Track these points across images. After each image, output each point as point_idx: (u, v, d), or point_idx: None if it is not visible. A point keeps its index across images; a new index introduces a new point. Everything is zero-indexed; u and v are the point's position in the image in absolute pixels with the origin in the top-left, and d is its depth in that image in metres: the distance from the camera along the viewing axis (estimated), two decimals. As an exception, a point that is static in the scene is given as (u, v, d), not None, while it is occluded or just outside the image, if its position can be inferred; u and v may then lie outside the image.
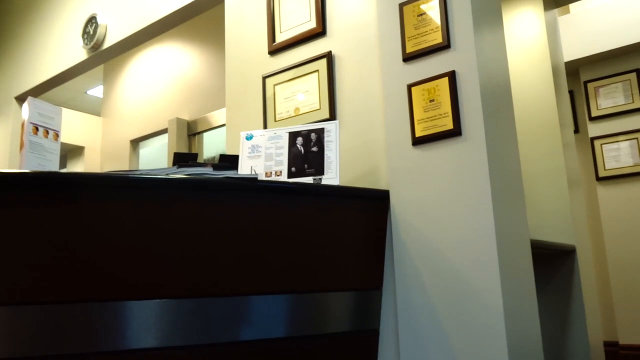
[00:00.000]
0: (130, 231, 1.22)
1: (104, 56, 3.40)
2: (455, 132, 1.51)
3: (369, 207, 1.60)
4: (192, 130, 4.31)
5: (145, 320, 1.21)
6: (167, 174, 1.28)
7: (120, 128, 5.02)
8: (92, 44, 3.28)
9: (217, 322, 1.28)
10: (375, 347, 1.63)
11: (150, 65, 4.80)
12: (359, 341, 1.58)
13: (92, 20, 3.33)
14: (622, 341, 3.54)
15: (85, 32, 3.36)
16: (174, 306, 1.23)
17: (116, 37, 3.19)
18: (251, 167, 1.71)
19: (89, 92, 6.29)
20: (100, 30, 3.25)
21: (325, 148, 1.65)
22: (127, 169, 4.80)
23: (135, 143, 4.93)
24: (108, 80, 5.25)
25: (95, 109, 6.04)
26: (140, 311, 1.21)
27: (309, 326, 1.44)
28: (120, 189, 1.22)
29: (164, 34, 3.78)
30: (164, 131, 4.54)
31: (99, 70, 5.20)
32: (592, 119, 3.85)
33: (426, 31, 1.62)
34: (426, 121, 1.58)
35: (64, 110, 5.20)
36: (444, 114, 1.54)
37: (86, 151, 5.25)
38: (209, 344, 1.26)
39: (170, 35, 4.55)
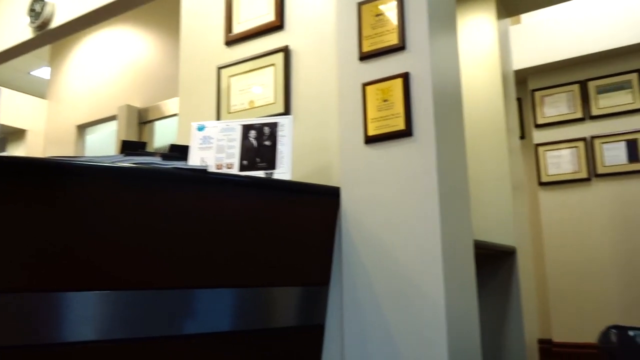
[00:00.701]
0: (70, 219, 1.17)
1: (52, 36, 3.25)
2: (406, 132, 1.54)
3: (320, 203, 1.61)
4: (143, 118, 4.19)
5: (84, 313, 1.17)
6: (113, 162, 1.24)
7: (67, 112, 4.82)
8: (38, 22, 3.13)
9: (158, 315, 1.25)
10: (320, 342, 1.64)
11: (101, 49, 4.63)
12: (304, 336, 1.58)
13: (39, -3, 3.17)
14: (556, 339, 3.72)
15: (31, 9, 3.20)
16: (113, 298, 1.20)
17: (65, 17, 3.06)
18: (202, 158, 1.68)
19: (32, 73, 6.00)
20: (47, 9, 3.10)
21: (278, 142, 1.65)
22: (73, 155, 4.62)
23: (82, 129, 4.75)
24: (55, 61, 5.03)
25: (38, 90, 5.77)
26: (78, 303, 1.17)
27: (254, 320, 1.43)
28: (61, 176, 1.17)
29: (117, 17, 3.66)
30: (113, 118, 4.40)
31: (44, 50, 4.97)
32: (537, 126, 4.02)
33: (383, 32, 1.64)
34: (379, 120, 1.60)
35: (5, 91, 4.95)
36: (397, 114, 1.57)
37: (28, 135, 5.01)
38: (149, 338, 1.23)
39: (124, 18, 4.41)
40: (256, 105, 2.00)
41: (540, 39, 3.92)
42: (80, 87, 4.74)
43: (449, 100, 1.67)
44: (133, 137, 4.15)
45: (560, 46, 3.84)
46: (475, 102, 2.92)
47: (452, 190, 1.58)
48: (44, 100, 5.10)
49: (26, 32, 3.28)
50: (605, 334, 1.23)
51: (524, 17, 4.03)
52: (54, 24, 3.12)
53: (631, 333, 1.21)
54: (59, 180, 1.17)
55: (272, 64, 1.98)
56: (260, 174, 1.62)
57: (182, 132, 2.22)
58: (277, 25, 2.01)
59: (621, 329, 1.23)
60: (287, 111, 1.92)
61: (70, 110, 4.78)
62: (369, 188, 1.59)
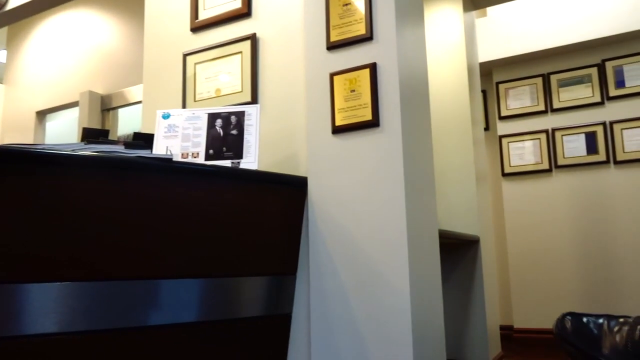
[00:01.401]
0: (29, 209, 1.14)
1: (8, 18, 3.12)
2: (373, 123, 1.55)
3: (287, 193, 1.61)
4: (106, 105, 4.08)
5: (44, 305, 1.14)
6: (73, 150, 1.20)
7: (26, 97, 4.64)
8: (-6, 3, 3.00)
9: (122, 306, 1.23)
10: (287, 331, 1.65)
11: (62, 31, 4.47)
12: (272, 325, 1.59)
13: (-6, -23, 3.04)
14: (517, 325, 3.84)
15: (-14, -11, 3.06)
16: (75, 289, 1.17)
17: (22, -1, 2.94)
18: (167, 147, 1.65)
19: (-11, 56, 5.76)
20: (4, -10, 2.98)
21: (245, 132, 1.63)
22: (32, 142, 4.46)
23: (42, 115, 4.59)
24: (12, 44, 4.83)
25: (-4, 75, 5.54)
26: (39, 294, 1.14)
27: (221, 311, 1.42)
28: (19, 164, 1.13)
29: None
30: (74, 104, 4.26)
31: (1, 32, 4.77)
32: (501, 118, 4.10)
33: (350, 21, 1.64)
34: (346, 111, 1.60)
35: (-41, 74, 4.73)
36: (364, 104, 1.57)
37: (-16, 121, 4.81)
38: (112, 329, 1.21)
39: (86, 0, 4.26)
40: (223, 93, 1.97)
41: (506, 32, 3.99)
42: (40, 71, 4.57)
43: (416, 91, 1.68)
44: (96, 125, 4.04)
45: (525, 40, 3.93)
46: (441, 94, 2.95)
47: (418, 180, 1.60)
48: (1, 85, 4.90)
49: (-19, 14, 3.14)
50: (561, 320, 1.27)
51: (490, 10, 4.09)
52: (10, 5, 2.99)
53: (585, 320, 1.26)
54: (16, 169, 1.13)
55: (239, 52, 1.96)
56: (227, 163, 1.60)
57: (146, 120, 2.17)
58: (244, 13, 1.98)
59: (576, 316, 1.27)
60: (254, 100, 1.90)
61: (29, 96, 4.61)
62: (336, 178, 1.60)
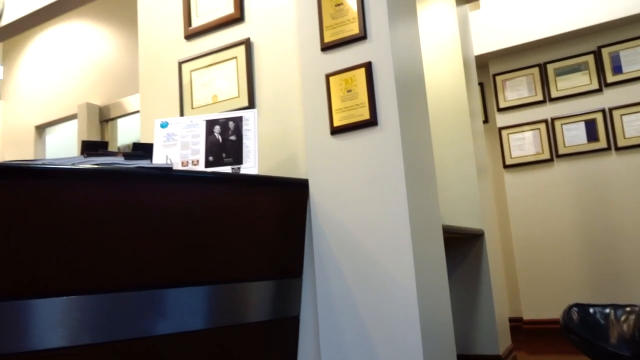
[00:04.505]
0: (34, 225, 1.14)
1: (2, 34, 3.13)
2: (371, 122, 1.54)
3: (289, 196, 1.61)
4: (105, 116, 4.09)
5: (51, 319, 1.14)
6: (74, 164, 1.20)
7: (24, 112, 4.65)
8: (-13, 20, 3.00)
9: (129, 317, 1.23)
10: (296, 334, 1.65)
11: (57, 45, 4.48)
12: (280, 329, 1.59)
13: (-13, -6, 3.04)
14: (526, 316, 3.83)
15: (-21, 7, 3.07)
16: (81, 303, 1.17)
17: (15, 14, 2.94)
18: (166, 156, 1.65)
19: (-14, 73, 5.76)
20: (-3, 6, 2.98)
21: (244, 137, 1.63)
22: (32, 157, 4.47)
23: (41, 129, 4.60)
24: (8, 59, 4.84)
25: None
26: (46, 309, 1.14)
27: (228, 317, 1.42)
28: (21, 180, 1.13)
29: (73, 11, 3.54)
30: (73, 117, 4.27)
31: (-3, 49, 4.78)
32: (499, 110, 4.10)
33: (343, 21, 1.64)
34: (344, 111, 1.60)
35: (-43, 93, 4.75)
36: (361, 104, 1.57)
37: (-16, 137, 4.82)
38: (120, 340, 1.21)
39: (79, 12, 4.27)
40: (220, 99, 1.97)
41: (499, 24, 3.99)
42: (37, 85, 4.58)
43: (412, 88, 1.68)
44: (95, 136, 4.04)
45: (519, 30, 3.92)
46: (438, 89, 2.95)
47: (419, 177, 1.60)
48: (-1, 101, 4.90)
49: (-25, 31, 3.14)
50: (567, 312, 1.27)
51: (483, 2, 4.09)
52: (4, 21, 3.00)
53: (591, 310, 1.25)
54: (18, 185, 1.13)
55: (234, 57, 1.96)
56: (227, 169, 1.60)
57: (145, 130, 2.17)
58: (237, 18, 1.98)
59: (582, 307, 1.27)
60: (251, 104, 1.90)
61: (28, 111, 4.62)
62: (336, 178, 1.60)
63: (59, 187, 1.17)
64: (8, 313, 1.10)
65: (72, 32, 4.39)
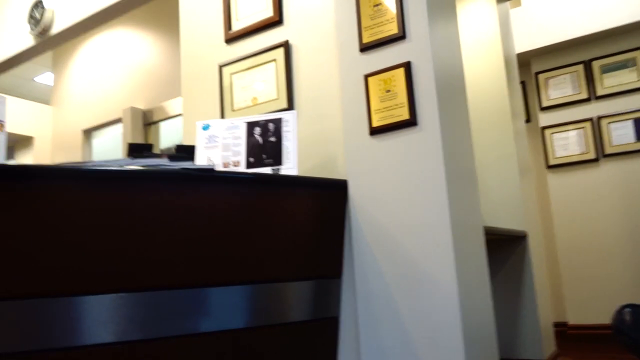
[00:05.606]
0: (84, 224, 1.18)
1: (53, 42, 3.27)
2: (411, 122, 1.54)
3: (328, 196, 1.62)
4: (148, 120, 4.21)
5: (101, 315, 1.18)
6: (121, 166, 1.25)
7: (72, 117, 4.84)
8: (39, 29, 3.14)
9: (174, 314, 1.26)
10: (336, 334, 1.65)
11: (102, 52, 4.64)
12: (320, 329, 1.59)
13: (38, 4, 3.18)
14: (571, 321, 3.71)
15: (31, 17, 3.21)
16: (130, 300, 1.21)
17: (65, 23, 3.07)
18: (208, 157, 1.69)
19: (36, 79, 6.03)
20: (47, 15, 3.12)
21: (284, 138, 1.65)
22: (80, 160, 4.64)
23: (88, 133, 4.77)
24: (58, 67, 5.05)
25: (43, 96, 5.80)
26: (95, 306, 1.18)
27: (269, 316, 1.44)
28: (72, 181, 1.18)
29: (117, 19, 3.66)
30: (118, 121, 4.42)
31: (47, 56, 4.99)
32: (542, 109, 3.99)
33: (382, 21, 1.63)
34: (383, 111, 1.59)
35: (10, 99, 4.98)
36: (400, 104, 1.56)
37: (35, 141, 5.05)
38: (166, 337, 1.24)
39: (123, 20, 4.41)
40: (259, 101, 2.00)
41: (541, 21, 3.88)
42: (84, 91, 4.76)
43: (452, 87, 1.66)
44: (139, 139, 4.17)
45: (562, 27, 3.81)
46: (478, 88, 2.90)
47: (460, 177, 1.58)
48: (49, 106, 5.12)
49: (27, 40, 3.29)
50: (619, 313, 1.22)
51: (524, -1, 3.99)
52: (54, 30, 3.13)
53: (646, 311, 1.21)
54: (71, 186, 1.18)
55: (273, 60, 1.98)
56: (267, 170, 1.63)
57: (187, 132, 2.23)
58: (276, 21, 2.00)
59: (635, 307, 1.22)
60: (290, 106, 1.92)
61: (75, 115, 4.81)
62: (376, 179, 1.59)
63: (108, 188, 1.22)
64: (59, 309, 1.15)
65: (116, 39, 4.54)
